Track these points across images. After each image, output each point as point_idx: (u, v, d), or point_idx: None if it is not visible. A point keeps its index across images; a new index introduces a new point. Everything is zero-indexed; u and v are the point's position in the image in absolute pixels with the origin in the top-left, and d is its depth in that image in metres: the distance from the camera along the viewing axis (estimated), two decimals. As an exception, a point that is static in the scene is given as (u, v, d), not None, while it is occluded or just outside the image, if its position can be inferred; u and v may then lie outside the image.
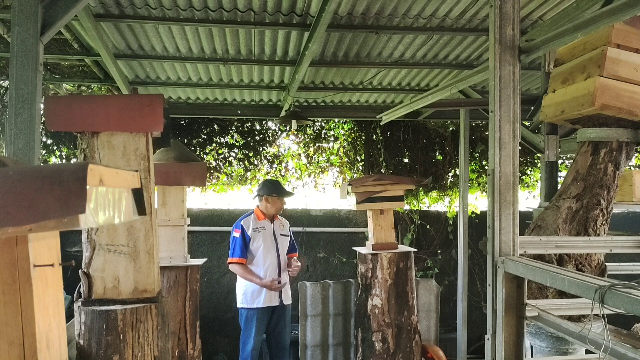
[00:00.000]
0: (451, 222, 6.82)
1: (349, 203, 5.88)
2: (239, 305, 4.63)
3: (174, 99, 6.03)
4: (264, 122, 7.03)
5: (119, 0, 3.50)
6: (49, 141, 6.37)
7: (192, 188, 6.42)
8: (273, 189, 4.68)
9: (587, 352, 2.72)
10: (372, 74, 5.14)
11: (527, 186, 7.42)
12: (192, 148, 6.65)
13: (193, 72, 5.06)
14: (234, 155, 6.94)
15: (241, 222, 4.64)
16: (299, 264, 4.76)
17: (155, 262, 1.96)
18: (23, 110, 2.34)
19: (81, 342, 1.80)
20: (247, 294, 4.56)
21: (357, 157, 7.09)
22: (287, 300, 4.68)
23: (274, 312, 4.63)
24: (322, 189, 7.14)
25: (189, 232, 3.72)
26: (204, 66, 4.85)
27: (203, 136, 6.82)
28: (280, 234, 4.73)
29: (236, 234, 4.60)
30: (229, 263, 4.64)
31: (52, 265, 1.21)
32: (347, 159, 7.07)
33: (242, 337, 4.58)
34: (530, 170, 7.43)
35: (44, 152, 6.32)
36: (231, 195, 6.97)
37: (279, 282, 4.51)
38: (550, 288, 2.88)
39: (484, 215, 4.26)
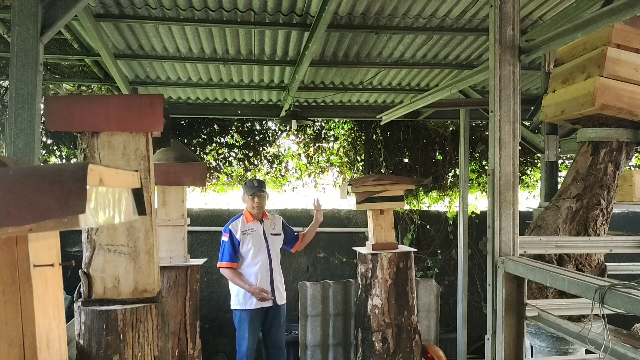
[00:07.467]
0: (451, 222, 6.81)
1: (349, 203, 5.87)
2: (232, 306, 4.59)
3: (174, 99, 6.03)
4: (264, 122, 7.03)
5: (119, 0, 3.50)
6: (49, 141, 6.37)
7: (192, 188, 6.42)
8: (244, 189, 4.67)
9: (587, 352, 2.72)
10: (372, 74, 5.14)
11: (527, 186, 7.42)
12: (192, 148, 6.65)
13: (193, 72, 5.06)
14: (234, 155, 6.94)
15: (229, 226, 4.56)
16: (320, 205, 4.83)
17: (155, 262, 1.96)
18: (23, 110, 2.35)
19: (81, 342, 1.80)
20: (239, 296, 4.51)
21: (357, 157, 7.09)
22: (281, 300, 4.63)
23: (268, 312, 4.59)
24: (322, 189, 7.14)
25: (189, 232, 3.72)
26: (204, 66, 4.85)
27: (203, 136, 6.81)
28: (271, 234, 4.66)
29: (225, 238, 4.54)
30: (219, 267, 4.57)
31: (52, 265, 1.21)
32: (347, 159, 7.07)
33: (237, 338, 4.56)
34: (530, 170, 7.43)
35: (44, 152, 6.32)
36: (231, 195, 6.97)
37: (267, 293, 4.42)
38: (550, 288, 2.88)
39: (484, 215, 4.26)
